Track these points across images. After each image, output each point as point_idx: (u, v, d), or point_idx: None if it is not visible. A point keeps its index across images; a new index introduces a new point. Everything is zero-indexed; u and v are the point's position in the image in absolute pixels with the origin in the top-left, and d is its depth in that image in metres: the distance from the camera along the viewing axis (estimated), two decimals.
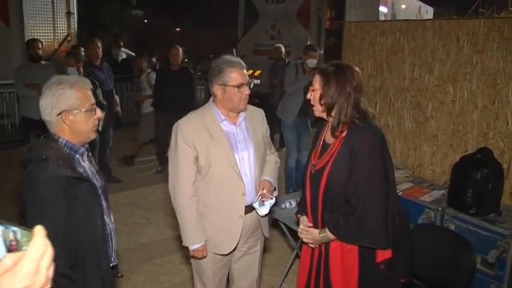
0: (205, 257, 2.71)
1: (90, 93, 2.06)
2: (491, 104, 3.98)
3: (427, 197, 3.96)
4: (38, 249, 0.78)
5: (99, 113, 2.10)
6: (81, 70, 5.70)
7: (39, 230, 0.79)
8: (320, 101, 2.33)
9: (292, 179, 6.19)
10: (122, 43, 14.27)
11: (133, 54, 14.30)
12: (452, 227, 3.53)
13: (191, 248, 2.68)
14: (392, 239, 2.25)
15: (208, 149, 2.58)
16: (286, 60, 7.86)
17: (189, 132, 2.60)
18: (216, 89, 2.61)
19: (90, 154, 2.20)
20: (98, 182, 2.13)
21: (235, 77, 2.57)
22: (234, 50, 9.47)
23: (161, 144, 7.04)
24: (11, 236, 0.80)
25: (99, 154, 6.40)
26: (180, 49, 6.89)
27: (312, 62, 5.84)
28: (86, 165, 2.11)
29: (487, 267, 3.31)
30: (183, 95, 6.72)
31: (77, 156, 2.06)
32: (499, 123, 3.94)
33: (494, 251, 3.22)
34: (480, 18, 4.15)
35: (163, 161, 7.10)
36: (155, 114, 7.21)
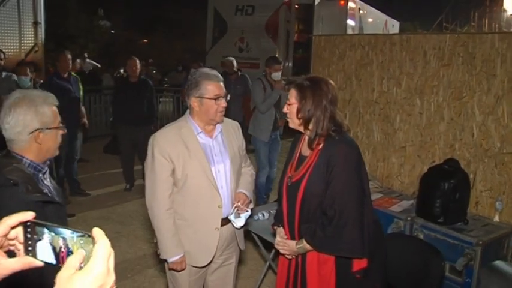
0: (184, 269, 2.69)
1: (57, 109, 1.97)
2: (457, 116, 4.10)
3: (397, 207, 4.05)
4: (106, 250, 0.81)
5: (65, 129, 2.02)
6: (34, 80, 5.64)
7: (100, 232, 0.82)
8: (297, 115, 2.37)
9: (262, 194, 6.18)
10: (86, 54, 14.07)
11: (99, 65, 14.12)
12: (421, 236, 3.61)
13: (170, 260, 2.66)
14: (368, 249, 2.29)
15: (185, 161, 2.58)
16: (239, 73, 7.77)
17: (166, 145, 2.59)
18: (193, 102, 2.62)
19: (48, 170, 2.07)
20: (59, 199, 2.03)
21: (212, 89, 2.58)
22: (202, 63, 9.40)
23: (127, 160, 6.93)
24: (60, 242, 0.81)
25: (65, 167, 6.28)
26: (137, 60, 6.69)
27: (277, 76, 5.84)
28: (49, 184, 2.00)
29: (455, 274, 3.40)
30: (143, 107, 6.60)
31: (40, 175, 1.95)
32: (464, 134, 4.06)
33: (462, 259, 3.31)
34: (446, 33, 4.29)
35: (130, 179, 7.00)
36: (117, 129, 7.07)
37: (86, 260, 0.81)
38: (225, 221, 2.72)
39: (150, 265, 4.57)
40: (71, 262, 0.79)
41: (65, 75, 6.18)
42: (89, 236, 0.83)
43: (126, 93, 6.62)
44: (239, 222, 2.69)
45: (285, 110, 2.46)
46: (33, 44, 8.79)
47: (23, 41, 8.60)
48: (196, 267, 2.74)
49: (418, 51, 4.38)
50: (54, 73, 6.32)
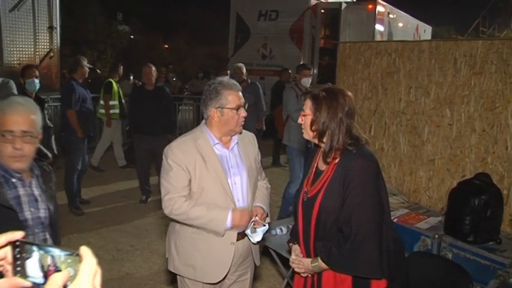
0: (248, 219, 2.66)
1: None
2: (489, 127, 4.05)
3: (424, 223, 4.00)
4: (92, 268, 0.83)
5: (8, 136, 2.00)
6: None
7: (87, 250, 0.84)
8: (311, 126, 2.38)
9: (288, 206, 6.18)
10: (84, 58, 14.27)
11: (98, 71, 14.20)
12: (449, 256, 3.56)
13: (228, 226, 2.61)
14: (387, 269, 2.26)
15: (202, 173, 2.61)
16: (249, 81, 7.77)
17: (181, 155, 2.62)
18: (213, 112, 2.65)
19: (41, 180, 2.13)
20: (34, 211, 2.05)
21: (233, 99, 2.62)
22: (228, 71, 9.42)
23: (143, 171, 6.99)
24: (48, 260, 0.84)
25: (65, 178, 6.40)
26: (153, 67, 6.75)
27: (306, 81, 5.95)
28: (22, 192, 2.03)
29: None
30: (160, 116, 6.62)
31: (14, 180, 2.01)
32: (497, 147, 4.00)
33: (494, 281, 3.25)
34: (478, 39, 4.25)
35: (146, 190, 7.06)
36: (133, 139, 7.11)
37: (72, 279, 0.83)
38: (241, 235, 2.73)
39: (164, 281, 4.59)
40: (55, 280, 0.82)
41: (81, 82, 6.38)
42: (77, 254, 0.85)
43: (142, 101, 6.68)
44: (256, 237, 2.70)
45: (299, 120, 2.47)
46: (48, 50, 8.97)
47: (37, 46, 8.78)
48: (209, 283, 2.75)
49: (448, 58, 4.35)
50: (71, 77, 6.49)
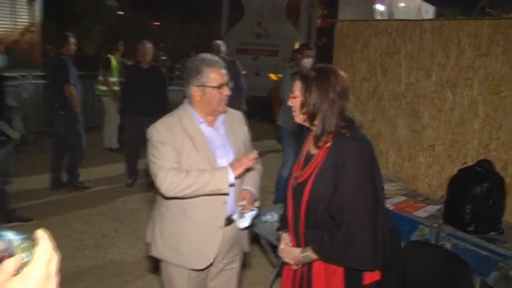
0: (254, 158, 2.55)
1: None
2: (494, 112, 3.99)
3: (422, 212, 3.96)
4: (46, 253, 0.81)
5: None
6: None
7: (43, 234, 0.83)
8: (302, 109, 2.31)
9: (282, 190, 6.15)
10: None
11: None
12: (448, 246, 3.52)
13: (231, 179, 2.50)
14: (381, 260, 2.21)
15: (190, 152, 2.55)
16: (227, 59, 7.64)
17: (168, 134, 2.55)
18: (194, 91, 2.60)
19: None
20: None
21: (214, 77, 2.57)
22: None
23: (132, 153, 6.95)
24: (1, 246, 0.80)
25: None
26: (149, 45, 6.73)
27: (307, 62, 5.86)
28: None
29: None
30: (154, 96, 6.60)
31: None
32: (502, 133, 3.94)
33: (495, 273, 3.21)
34: (484, 19, 4.17)
35: (133, 173, 7.01)
36: (123, 120, 7.09)
37: (26, 264, 0.81)
38: (229, 220, 2.69)
39: (149, 268, 4.55)
40: (6, 267, 0.79)
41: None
42: (33, 239, 0.83)
43: (136, 80, 6.66)
44: (244, 223, 2.65)
45: (289, 103, 2.39)
46: (28, 23, 8.79)
47: (17, 20, 8.60)
48: (195, 270, 2.71)
49: (452, 39, 4.27)
50: (60, 54, 6.50)
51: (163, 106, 6.70)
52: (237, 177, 2.52)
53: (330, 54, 6.10)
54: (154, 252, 2.78)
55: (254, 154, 2.54)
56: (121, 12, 27.34)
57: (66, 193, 6.55)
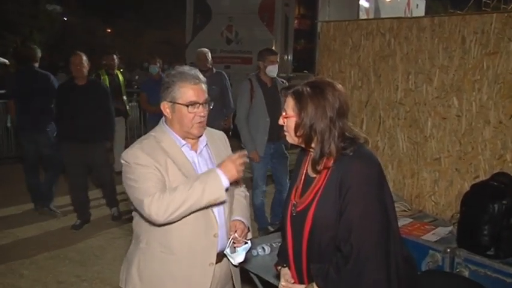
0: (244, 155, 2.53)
1: None
2: (507, 118, 4.05)
3: (431, 235, 3.99)
4: None
5: None
6: None
7: None
8: (296, 131, 2.30)
9: (263, 216, 6.20)
10: None
11: (7, 61, 13.90)
12: (466, 273, 3.54)
13: (226, 184, 2.47)
14: None
15: (175, 177, 2.52)
16: (214, 70, 7.61)
17: (147, 157, 2.52)
18: (164, 107, 2.62)
19: None
20: None
21: (185, 92, 2.56)
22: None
23: (78, 188, 6.66)
24: None
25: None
26: (84, 57, 6.37)
27: (273, 70, 5.80)
28: None
29: None
30: (96, 118, 6.32)
31: None
32: None
33: None
34: (492, 13, 4.24)
35: (83, 212, 6.75)
36: (61, 148, 6.62)
37: None
38: (220, 256, 2.67)
39: None
40: None
41: None
42: None
43: (71, 100, 6.33)
44: (238, 258, 2.64)
45: (280, 122, 2.39)
46: None
47: None
48: None
49: (455, 37, 4.34)
50: None
51: (108, 130, 6.57)
52: (232, 182, 2.50)
53: (310, 59, 6.13)
54: None
55: (242, 152, 2.54)
56: (65, 18, 27.19)
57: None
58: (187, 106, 2.55)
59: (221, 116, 7.27)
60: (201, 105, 2.58)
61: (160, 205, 2.41)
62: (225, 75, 7.72)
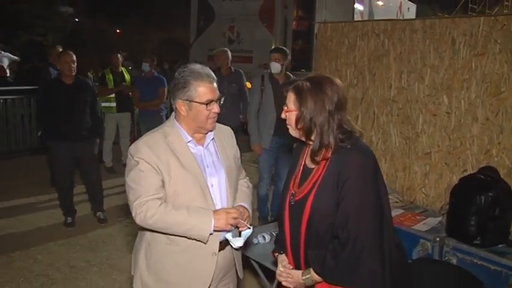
0: (236, 218, 2.53)
1: None
2: (493, 115, 4.05)
3: (422, 225, 4.00)
4: None
5: None
6: None
7: None
8: (297, 124, 2.31)
9: (265, 207, 6.23)
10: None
11: (17, 58, 13.83)
12: (454, 261, 3.55)
13: (211, 231, 2.48)
14: (390, 279, 2.22)
15: (177, 174, 2.51)
16: (232, 69, 7.42)
17: (151, 153, 2.50)
18: (180, 105, 2.56)
19: None
20: None
21: (203, 91, 2.52)
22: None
23: (65, 188, 6.32)
24: None
25: None
26: (73, 55, 6.01)
27: (275, 67, 5.78)
28: None
29: None
30: (84, 117, 6.08)
31: None
32: (504, 137, 4.01)
33: None
34: (479, 16, 4.24)
35: (70, 210, 6.43)
36: (49, 148, 6.36)
37: None
38: (222, 244, 2.65)
39: None
40: None
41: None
42: None
43: (58, 98, 5.98)
44: (238, 242, 2.61)
45: (282, 115, 2.39)
46: None
47: None
48: None
49: (445, 39, 4.34)
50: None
51: (95, 127, 6.34)
52: (216, 230, 2.49)
53: (307, 58, 6.11)
54: (138, 284, 2.72)
55: (247, 213, 2.59)
56: (77, 19, 27.14)
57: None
58: (206, 104, 2.53)
59: (239, 111, 7.23)
60: (215, 103, 2.58)
61: (149, 215, 2.44)
62: (243, 74, 7.62)
